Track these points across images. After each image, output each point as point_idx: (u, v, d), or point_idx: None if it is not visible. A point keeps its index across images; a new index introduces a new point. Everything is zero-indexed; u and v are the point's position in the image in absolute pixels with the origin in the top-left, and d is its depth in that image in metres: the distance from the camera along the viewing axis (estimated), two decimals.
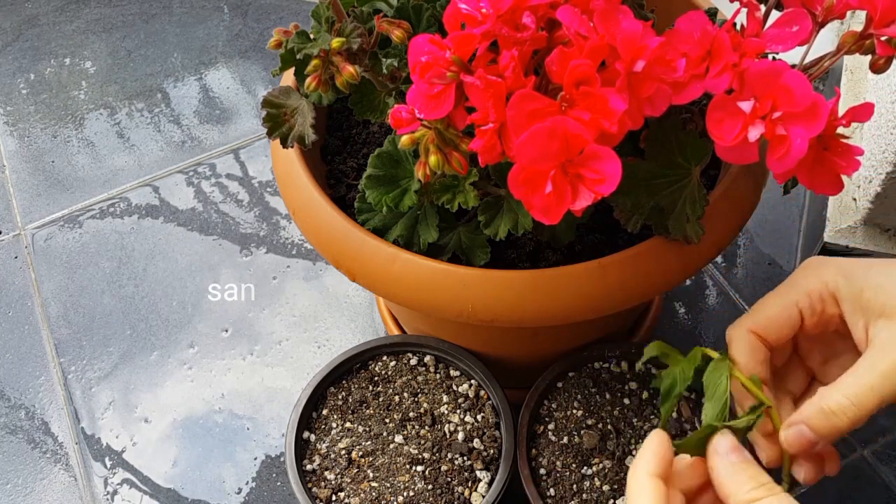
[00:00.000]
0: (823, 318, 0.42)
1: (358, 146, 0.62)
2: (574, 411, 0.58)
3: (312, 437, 0.60)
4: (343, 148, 0.62)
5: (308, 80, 0.43)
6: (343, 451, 0.59)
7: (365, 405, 0.61)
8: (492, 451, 0.58)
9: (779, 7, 0.42)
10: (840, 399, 0.39)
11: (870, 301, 0.40)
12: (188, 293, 0.83)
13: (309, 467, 0.59)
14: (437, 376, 0.62)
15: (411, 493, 0.56)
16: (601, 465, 0.56)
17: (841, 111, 0.37)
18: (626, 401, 0.59)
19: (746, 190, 0.50)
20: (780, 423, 0.41)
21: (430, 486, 0.57)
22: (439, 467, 0.57)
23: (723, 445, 0.40)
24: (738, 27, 0.39)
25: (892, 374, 0.38)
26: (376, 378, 0.62)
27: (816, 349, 0.45)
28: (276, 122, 0.48)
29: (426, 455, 0.58)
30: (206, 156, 0.95)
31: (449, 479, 0.57)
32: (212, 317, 0.81)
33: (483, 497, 0.56)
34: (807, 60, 0.41)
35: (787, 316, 0.42)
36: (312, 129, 0.47)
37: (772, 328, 0.42)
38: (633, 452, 0.57)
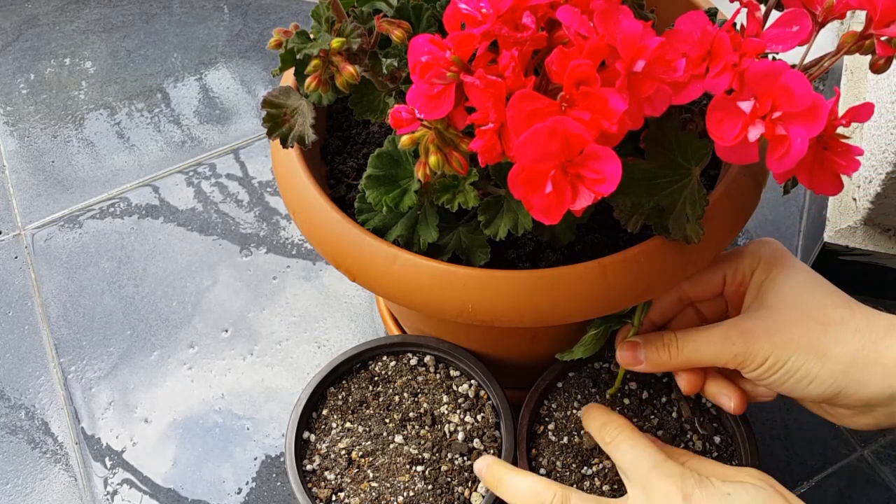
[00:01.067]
0: (738, 287, 0.52)
1: (358, 146, 0.62)
2: (574, 411, 0.58)
3: (312, 437, 0.60)
4: (343, 148, 0.62)
5: (308, 80, 0.43)
6: (343, 451, 0.59)
7: (365, 405, 0.61)
8: (492, 452, 0.58)
9: (779, 7, 0.42)
10: (673, 343, 0.50)
11: (761, 289, 0.49)
12: (188, 293, 0.83)
13: (309, 467, 0.59)
14: (437, 376, 0.62)
15: (411, 493, 0.56)
16: (601, 466, 0.56)
17: (841, 111, 0.37)
18: (626, 401, 0.59)
19: (746, 190, 0.50)
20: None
21: (430, 486, 0.57)
22: (439, 467, 0.57)
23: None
24: (738, 27, 0.39)
25: (717, 343, 0.48)
26: (376, 378, 0.62)
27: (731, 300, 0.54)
28: (276, 122, 0.48)
29: (426, 455, 0.58)
30: (206, 156, 0.95)
31: (449, 479, 0.57)
32: (212, 317, 0.81)
33: (483, 497, 0.56)
34: (807, 60, 0.41)
35: (714, 281, 0.52)
36: (312, 129, 0.47)
37: (698, 289, 0.52)
38: None
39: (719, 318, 0.53)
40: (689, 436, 0.57)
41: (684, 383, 0.52)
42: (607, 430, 0.52)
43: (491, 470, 0.53)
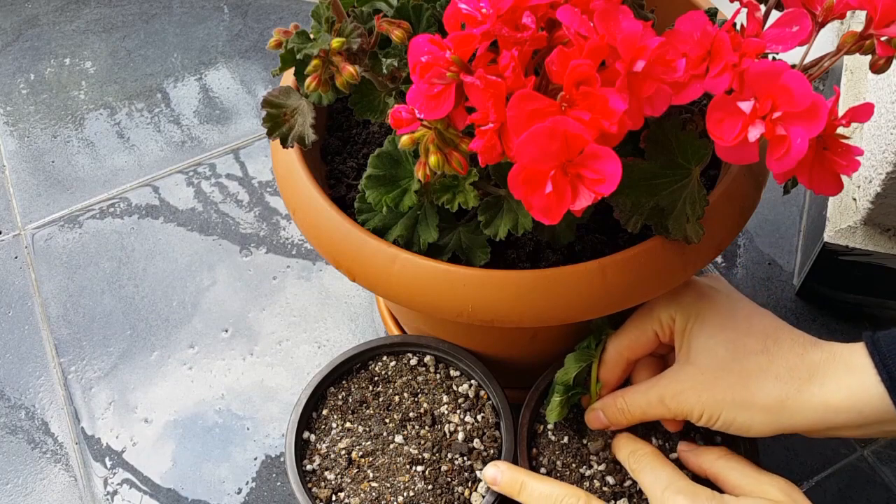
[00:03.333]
0: (671, 339, 0.52)
1: (358, 146, 0.62)
2: (574, 411, 0.58)
3: (312, 437, 0.60)
4: (343, 148, 0.62)
5: (308, 80, 0.43)
6: (343, 451, 0.59)
7: (365, 405, 0.61)
8: (492, 451, 0.58)
9: (779, 7, 0.42)
10: (623, 407, 0.53)
11: (684, 341, 0.50)
12: (188, 293, 0.83)
13: (309, 467, 0.59)
14: (437, 376, 0.62)
15: (411, 494, 0.56)
16: (600, 466, 0.56)
17: (841, 111, 0.37)
18: None
19: (746, 190, 0.50)
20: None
21: (430, 487, 0.57)
22: (439, 467, 0.57)
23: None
24: (738, 27, 0.39)
25: (654, 402, 0.50)
26: (376, 378, 0.62)
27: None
28: (276, 122, 0.48)
29: (426, 455, 0.58)
30: (206, 156, 0.95)
31: (449, 480, 0.57)
32: (211, 317, 0.81)
33: (483, 497, 0.56)
34: (807, 60, 0.41)
35: (645, 341, 0.53)
36: (312, 129, 0.47)
37: (635, 348, 0.53)
38: None
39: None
40: (691, 435, 0.57)
41: (670, 427, 0.56)
42: (635, 457, 0.53)
43: (508, 476, 0.53)
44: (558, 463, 0.57)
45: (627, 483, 0.56)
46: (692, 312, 0.50)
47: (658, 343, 0.53)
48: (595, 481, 0.56)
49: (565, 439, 0.58)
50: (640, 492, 0.55)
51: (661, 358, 0.56)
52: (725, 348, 0.48)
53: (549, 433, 0.58)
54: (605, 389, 0.55)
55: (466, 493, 0.57)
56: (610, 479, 0.56)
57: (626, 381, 0.57)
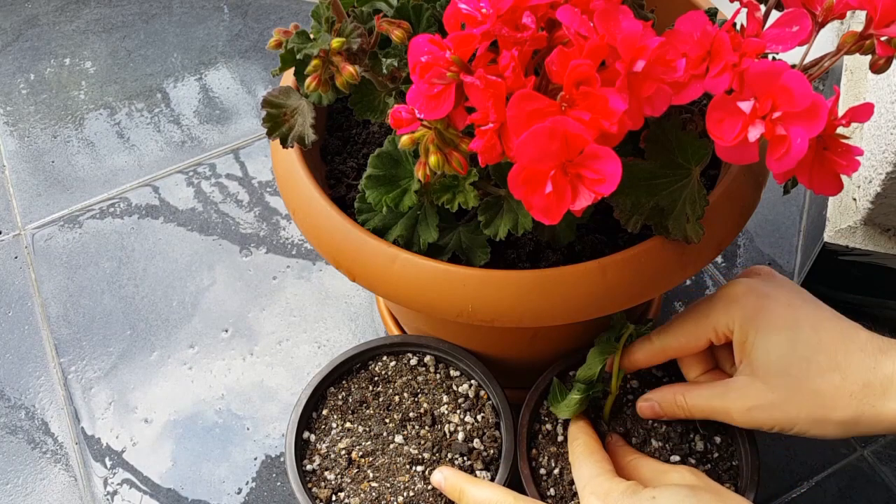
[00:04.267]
0: (727, 341, 0.51)
1: (358, 146, 0.62)
2: None
3: (312, 437, 0.60)
4: (343, 148, 0.62)
5: (308, 80, 0.43)
6: (343, 451, 0.59)
7: (365, 405, 0.61)
8: (492, 451, 0.58)
9: (779, 7, 0.42)
10: (682, 403, 0.52)
11: (746, 353, 0.49)
12: (188, 293, 0.83)
13: (309, 467, 0.59)
14: (437, 376, 0.62)
15: (411, 493, 0.56)
16: None
17: (841, 111, 0.37)
18: (629, 397, 0.59)
19: (746, 190, 0.50)
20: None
21: (430, 487, 0.57)
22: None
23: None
24: (738, 27, 0.39)
25: (720, 411, 0.50)
26: (376, 378, 0.62)
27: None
28: (276, 122, 0.48)
29: (426, 455, 0.58)
30: (206, 156, 0.95)
31: None
32: (211, 317, 0.81)
33: None
34: (807, 60, 0.41)
35: (697, 345, 0.52)
36: (312, 129, 0.47)
37: (685, 352, 0.53)
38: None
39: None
40: (691, 436, 0.57)
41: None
42: (571, 447, 0.54)
43: (451, 482, 0.54)
44: (558, 463, 0.57)
45: None
46: (752, 326, 0.48)
47: (706, 346, 0.52)
48: None
49: (565, 440, 0.58)
50: None
51: (711, 354, 0.55)
52: (797, 367, 0.47)
53: (550, 433, 0.58)
54: (631, 369, 0.55)
55: None
56: None
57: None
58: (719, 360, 0.54)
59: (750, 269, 0.54)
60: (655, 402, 0.55)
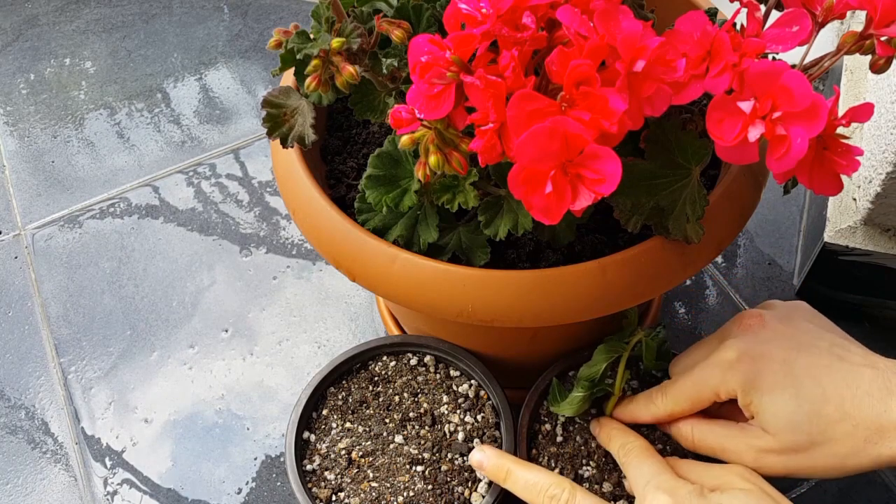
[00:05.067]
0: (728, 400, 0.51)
1: (358, 146, 0.62)
2: None
3: (312, 437, 0.60)
4: (343, 148, 0.62)
5: (308, 80, 0.43)
6: (343, 451, 0.59)
7: (365, 405, 0.61)
8: None
9: (779, 7, 0.42)
10: (689, 434, 0.53)
11: (753, 413, 0.49)
12: (188, 293, 0.83)
13: (309, 467, 0.59)
14: (437, 376, 0.62)
15: (411, 494, 0.56)
16: (599, 466, 0.56)
17: (841, 111, 0.37)
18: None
19: (746, 190, 0.50)
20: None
21: (430, 487, 0.57)
22: (439, 467, 0.57)
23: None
24: (738, 27, 0.39)
25: (730, 452, 0.50)
26: (376, 378, 0.62)
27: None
28: (276, 122, 0.48)
29: (426, 455, 0.58)
30: (206, 156, 0.95)
31: (449, 479, 0.57)
32: (211, 317, 0.81)
33: (483, 497, 0.56)
34: (807, 60, 0.41)
35: (699, 407, 0.52)
36: (312, 129, 0.47)
37: (686, 412, 0.53)
38: None
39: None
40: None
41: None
42: (624, 450, 0.53)
43: (494, 462, 0.53)
44: (558, 463, 0.57)
45: (626, 484, 0.56)
46: (754, 391, 0.48)
47: (709, 404, 0.52)
48: (594, 483, 0.56)
49: (564, 440, 0.58)
50: None
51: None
52: (807, 424, 0.46)
53: (549, 434, 0.58)
54: (630, 422, 0.56)
55: (466, 493, 0.57)
56: (607, 483, 0.56)
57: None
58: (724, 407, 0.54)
59: (739, 315, 0.53)
60: (666, 425, 0.55)
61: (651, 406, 0.54)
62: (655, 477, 0.49)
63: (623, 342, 0.55)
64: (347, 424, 0.60)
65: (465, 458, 0.58)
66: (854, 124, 0.63)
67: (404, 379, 0.62)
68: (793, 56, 0.41)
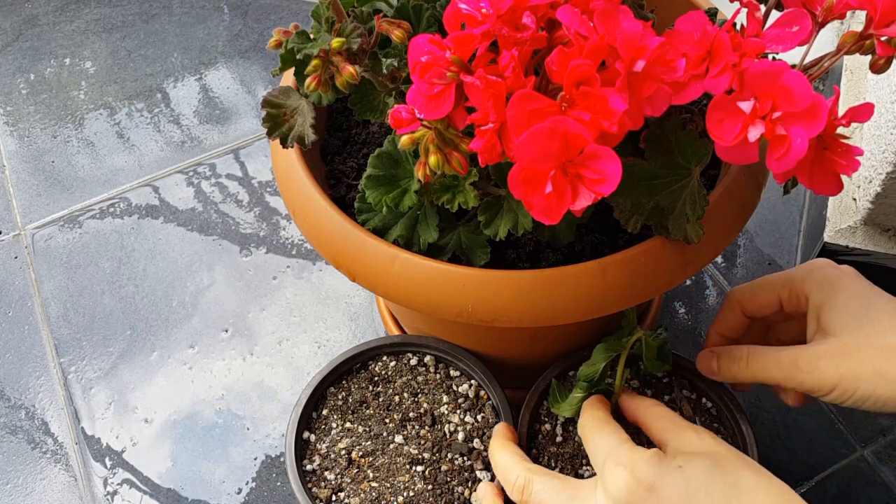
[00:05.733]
0: (796, 309, 0.54)
1: (358, 146, 0.62)
2: None
3: (312, 437, 0.60)
4: (343, 148, 0.62)
5: (308, 80, 0.43)
6: (343, 452, 0.59)
7: (365, 405, 0.61)
8: None
9: (779, 7, 0.42)
10: (744, 360, 0.53)
11: (821, 318, 0.50)
12: (188, 293, 0.83)
13: (309, 467, 0.59)
14: (437, 376, 0.62)
15: (411, 494, 0.56)
16: None
17: (841, 111, 0.37)
18: None
19: (746, 190, 0.50)
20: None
21: (430, 486, 0.57)
22: (439, 467, 0.58)
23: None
24: (738, 27, 0.39)
25: (786, 365, 0.50)
26: (376, 378, 0.62)
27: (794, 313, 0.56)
28: (276, 122, 0.48)
29: (426, 455, 0.58)
30: (206, 156, 0.95)
31: (449, 479, 0.57)
32: (211, 317, 0.81)
33: None
34: (807, 60, 0.41)
35: (768, 301, 0.54)
36: (312, 129, 0.47)
37: (754, 304, 0.55)
38: None
39: (791, 338, 0.56)
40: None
41: (790, 401, 0.55)
42: (582, 428, 0.52)
43: (490, 444, 0.55)
44: (557, 463, 0.57)
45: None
46: (831, 290, 0.51)
47: (778, 310, 0.54)
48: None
49: (564, 440, 0.58)
50: None
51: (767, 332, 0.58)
52: (870, 326, 0.48)
53: (549, 434, 0.58)
54: (714, 336, 0.57)
55: (466, 493, 0.57)
56: None
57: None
58: (778, 339, 0.57)
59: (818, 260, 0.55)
60: (714, 355, 0.55)
61: (717, 318, 0.56)
62: (614, 450, 0.47)
63: (622, 341, 0.55)
64: (347, 424, 0.60)
65: (465, 458, 0.58)
66: (854, 124, 0.63)
67: (404, 379, 0.62)
68: (793, 56, 0.41)
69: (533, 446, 0.58)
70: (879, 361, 0.47)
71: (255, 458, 0.71)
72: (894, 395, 0.47)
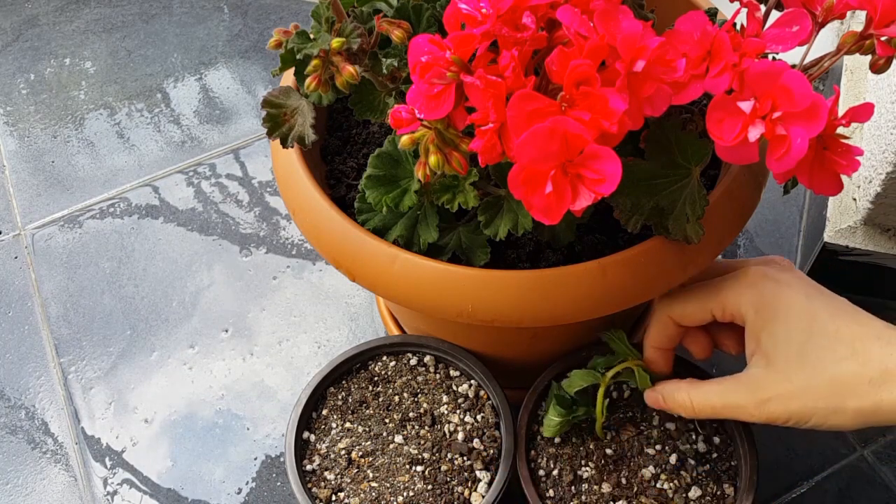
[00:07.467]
0: (732, 322, 0.50)
1: (358, 146, 0.62)
2: None
3: (312, 438, 0.60)
4: (343, 148, 0.62)
5: (308, 80, 0.43)
6: (343, 452, 0.59)
7: (365, 405, 0.61)
8: (492, 452, 0.58)
9: (779, 7, 0.42)
10: (687, 401, 0.51)
11: (761, 342, 0.47)
12: (188, 293, 0.83)
13: (309, 467, 0.59)
14: (437, 376, 0.62)
15: (411, 494, 0.56)
16: (599, 466, 0.56)
17: (841, 111, 0.37)
18: (627, 394, 0.59)
19: (746, 190, 0.50)
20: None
21: (429, 486, 0.57)
22: (439, 467, 0.57)
23: None
24: (738, 27, 0.39)
25: (731, 407, 0.49)
26: (376, 378, 0.62)
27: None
28: (276, 122, 0.48)
29: (426, 455, 0.58)
30: (206, 156, 0.95)
31: (449, 479, 0.57)
32: (211, 317, 0.81)
33: (483, 497, 0.56)
34: (807, 60, 0.41)
35: (700, 317, 0.51)
36: (312, 129, 0.47)
37: (684, 319, 0.52)
38: (633, 452, 0.57)
39: (732, 343, 0.54)
40: (690, 435, 0.57)
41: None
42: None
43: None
44: (556, 464, 0.57)
45: (623, 482, 0.56)
46: (769, 312, 0.47)
47: (708, 321, 0.51)
48: (593, 484, 0.56)
49: (563, 441, 0.58)
50: (638, 493, 0.55)
51: (708, 332, 0.55)
52: (814, 356, 0.46)
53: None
54: (650, 351, 0.55)
55: (466, 493, 0.57)
56: (606, 484, 0.56)
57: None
58: (719, 341, 0.54)
59: (767, 257, 0.53)
60: (660, 396, 0.54)
61: (655, 313, 0.53)
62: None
63: (601, 369, 0.55)
64: (347, 424, 0.60)
65: (465, 458, 0.58)
66: (854, 124, 0.63)
67: (404, 379, 0.62)
68: (793, 56, 0.41)
69: (532, 447, 0.58)
70: (829, 398, 0.45)
71: (255, 458, 0.71)
72: (846, 422, 0.46)
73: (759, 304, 0.48)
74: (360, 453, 0.59)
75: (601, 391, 0.55)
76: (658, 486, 0.55)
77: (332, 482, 0.58)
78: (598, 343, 0.59)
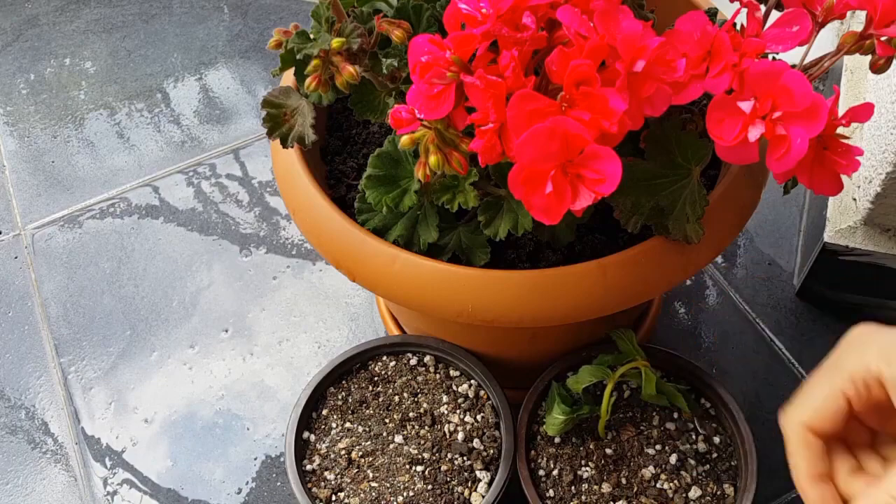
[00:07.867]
0: (871, 400, 0.39)
1: (358, 146, 0.62)
2: None
3: (312, 438, 0.60)
4: (343, 148, 0.62)
5: (308, 80, 0.43)
6: (343, 451, 0.59)
7: (365, 405, 0.61)
8: (492, 452, 0.58)
9: (779, 7, 0.42)
10: (884, 497, 0.37)
11: None
12: (188, 293, 0.83)
13: (309, 467, 0.59)
14: (437, 376, 0.62)
15: (411, 493, 0.56)
16: (598, 467, 0.56)
17: (841, 111, 0.37)
18: (627, 393, 0.59)
19: (746, 190, 0.50)
20: None
21: (429, 486, 0.57)
22: (439, 467, 0.57)
23: None
24: (738, 27, 0.39)
25: None
26: (376, 378, 0.62)
27: (873, 413, 0.42)
28: (276, 122, 0.48)
29: (426, 455, 0.58)
30: (206, 156, 0.95)
31: (449, 479, 0.57)
32: (211, 317, 0.81)
33: (483, 497, 0.56)
34: (807, 60, 0.41)
35: (834, 407, 0.40)
36: (312, 130, 0.47)
37: (822, 420, 0.40)
38: (633, 452, 0.57)
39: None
40: (690, 435, 0.57)
41: None
42: None
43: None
44: (557, 464, 0.57)
45: (623, 483, 0.56)
46: None
47: (848, 411, 0.40)
48: (593, 484, 0.56)
49: (563, 441, 0.58)
50: (638, 494, 0.55)
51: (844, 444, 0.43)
52: None
53: (548, 434, 0.58)
54: (808, 485, 0.43)
55: (466, 492, 0.57)
56: (606, 484, 0.56)
57: None
58: (884, 429, 0.42)
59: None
60: None
61: (785, 423, 0.42)
62: None
63: (610, 369, 0.55)
64: (347, 424, 0.60)
65: (464, 458, 0.58)
66: (854, 124, 0.63)
67: (404, 379, 0.62)
68: (793, 56, 0.41)
69: (532, 447, 0.58)
70: None
71: (255, 458, 0.71)
72: None
73: (888, 353, 0.38)
74: (360, 453, 0.59)
75: (609, 388, 0.54)
76: (658, 486, 0.55)
77: (332, 482, 0.58)
78: (603, 341, 0.59)
